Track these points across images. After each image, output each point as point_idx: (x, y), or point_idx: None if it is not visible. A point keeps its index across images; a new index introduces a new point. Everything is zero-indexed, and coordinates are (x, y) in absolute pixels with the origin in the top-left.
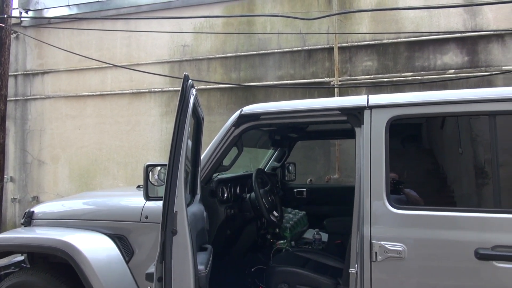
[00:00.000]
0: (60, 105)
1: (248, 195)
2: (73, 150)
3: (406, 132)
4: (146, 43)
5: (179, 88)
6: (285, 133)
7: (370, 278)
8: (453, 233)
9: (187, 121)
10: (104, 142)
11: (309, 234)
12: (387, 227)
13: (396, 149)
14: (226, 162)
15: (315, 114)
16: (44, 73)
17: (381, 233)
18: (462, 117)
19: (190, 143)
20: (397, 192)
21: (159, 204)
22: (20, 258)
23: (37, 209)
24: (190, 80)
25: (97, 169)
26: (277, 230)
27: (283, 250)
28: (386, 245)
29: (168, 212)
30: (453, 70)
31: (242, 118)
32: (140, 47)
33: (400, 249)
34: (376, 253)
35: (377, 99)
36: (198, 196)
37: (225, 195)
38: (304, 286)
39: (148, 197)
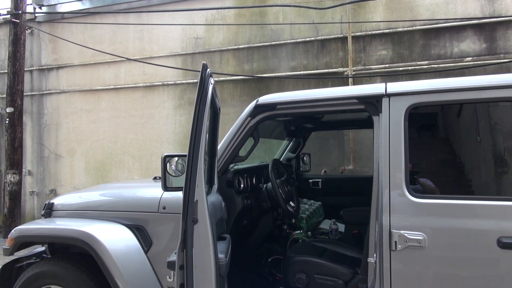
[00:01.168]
0: (75, 99)
1: (264, 186)
2: (89, 143)
3: (425, 119)
4: (158, 36)
5: (192, 81)
6: (300, 123)
7: (389, 267)
8: (475, 222)
9: (206, 110)
10: (119, 135)
11: (325, 225)
12: (407, 216)
13: (415, 137)
14: (242, 153)
15: (332, 103)
16: (58, 68)
17: (400, 222)
18: (482, 104)
19: (207, 134)
20: (412, 182)
21: (176, 195)
22: (41, 248)
23: (57, 201)
24: (208, 69)
25: (112, 162)
26: (293, 220)
27: (300, 240)
28: (406, 234)
29: (189, 201)
30: (471, 58)
31: (258, 108)
32: (152, 40)
33: (420, 238)
34: (395, 242)
35: (395, 86)
36: (215, 187)
37: (242, 185)
38: (322, 275)
39: (166, 188)
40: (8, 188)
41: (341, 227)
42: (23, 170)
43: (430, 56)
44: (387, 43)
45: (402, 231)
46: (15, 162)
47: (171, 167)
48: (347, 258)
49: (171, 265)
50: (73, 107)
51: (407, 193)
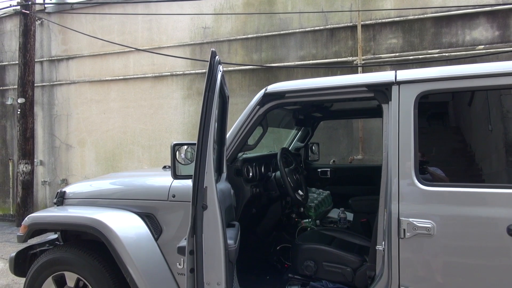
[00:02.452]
0: (85, 90)
1: (273, 174)
2: (99, 134)
3: (435, 107)
4: (167, 26)
5: (201, 71)
6: (308, 112)
7: (398, 255)
8: (484, 210)
9: (215, 97)
10: (128, 125)
11: (334, 214)
12: (416, 204)
13: (426, 125)
14: (250, 141)
15: (341, 91)
16: (68, 58)
17: (409, 210)
18: (493, 92)
19: (216, 123)
20: (422, 172)
21: (186, 183)
22: (53, 236)
23: (69, 189)
24: (217, 57)
25: (122, 152)
26: (302, 209)
27: (308, 229)
28: (414, 222)
29: (198, 187)
30: (483, 46)
31: (267, 97)
32: (161, 30)
33: (429, 226)
34: (404, 230)
35: (405, 74)
36: (224, 175)
37: (250, 174)
38: (330, 263)
39: (175, 176)
40: (20, 178)
41: (350, 216)
42: (35, 160)
43: (442, 44)
44: (397, 31)
45: (411, 219)
46: (27, 152)
47: (181, 155)
48: (356, 246)
49: (181, 250)
50: (83, 98)
51: (416, 181)
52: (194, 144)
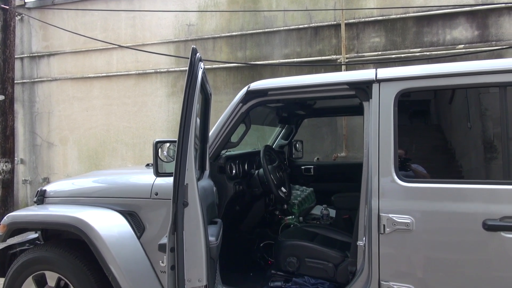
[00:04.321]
0: (67, 87)
1: (256, 172)
2: (81, 132)
3: (416, 105)
4: (151, 23)
5: (185, 68)
6: (292, 110)
7: (378, 250)
8: (461, 205)
9: (196, 94)
10: (111, 123)
11: (317, 210)
12: (395, 200)
13: (405, 122)
14: (234, 139)
15: (323, 89)
16: (50, 55)
17: (389, 206)
18: (472, 90)
19: (198, 120)
20: (404, 169)
21: (169, 181)
22: (34, 235)
23: (49, 188)
24: (198, 54)
25: (105, 150)
26: (285, 206)
27: (291, 225)
28: (394, 218)
29: (179, 184)
30: (463, 45)
31: (250, 94)
32: (145, 27)
33: (408, 221)
34: (384, 225)
35: (385, 72)
36: (207, 172)
37: (234, 171)
38: (313, 259)
39: (158, 173)
40: (0, 177)
41: (332, 213)
42: (16, 158)
43: (423, 43)
44: (380, 30)
45: (390, 215)
46: (7, 150)
47: (163, 153)
48: (338, 242)
49: (162, 247)
50: (65, 95)
51: (396, 177)
52: (176, 141)
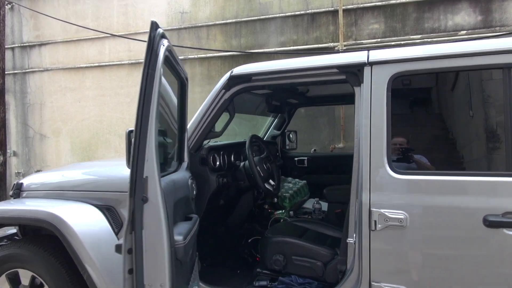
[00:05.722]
0: (59, 78)
1: (243, 163)
2: (74, 123)
3: (410, 91)
4: (143, 11)
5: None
6: (282, 97)
7: (368, 248)
8: (460, 199)
9: (157, 75)
10: (104, 114)
11: (310, 204)
12: (388, 193)
13: (399, 109)
14: (218, 128)
15: (311, 73)
16: (41, 45)
17: (381, 200)
18: (475, 77)
19: (166, 105)
20: (405, 160)
21: None
22: (13, 230)
23: (26, 181)
24: (159, 29)
25: (98, 142)
26: (276, 199)
27: (281, 220)
28: (386, 213)
29: (136, 177)
30: (465, 31)
31: (233, 80)
32: (137, 15)
33: (402, 217)
34: (375, 221)
35: (378, 54)
36: (185, 164)
37: (217, 163)
38: (300, 256)
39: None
40: None
41: (325, 206)
42: (8, 150)
43: (424, 29)
44: (379, 16)
45: (382, 210)
46: None
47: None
48: (328, 238)
49: (118, 248)
50: (57, 86)
51: (388, 169)
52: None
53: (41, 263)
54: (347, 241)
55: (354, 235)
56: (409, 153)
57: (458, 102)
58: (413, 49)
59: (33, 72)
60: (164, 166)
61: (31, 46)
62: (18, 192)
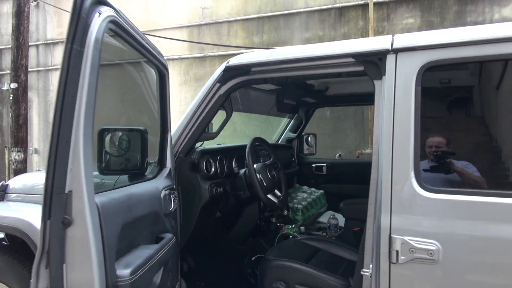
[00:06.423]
0: None
1: (243, 170)
2: (96, 121)
3: (446, 84)
4: (164, 7)
5: (198, 55)
6: (296, 95)
7: (388, 285)
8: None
9: (90, 54)
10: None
11: (326, 218)
12: (415, 217)
13: (431, 108)
14: (215, 129)
15: (321, 64)
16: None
17: (405, 225)
18: None
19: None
20: (442, 169)
21: None
22: (1, 235)
23: (12, 182)
24: None
25: None
26: (286, 212)
27: (290, 236)
28: (412, 242)
29: (52, 192)
30: None
31: (229, 72)
32: (158, 11)
33: (433, 248)
34: (397, 252)
35: (405, 39)
36: (166, 170)
37: (212, 169)
38: (306, 286)
39: (103, 171)
40: (13, 167)
41: (342, 221)
42: (30, 148)
43: (466, 24)
44: (414, 9)
45: (407, 237)
46: (20, 139)
47: (114, 144)
48: (344, 262)
49: None
50: None
51: (415, 184)
52: (129, 129)
53: (12, 274)
54: (362, 272)
55: (371, 265)
56: (446, 158)
57: (505, 103)
58: (450, 32)
59: (56, 69)
60: (123, 175)
61: (54, 44)
62: (3, 194)
